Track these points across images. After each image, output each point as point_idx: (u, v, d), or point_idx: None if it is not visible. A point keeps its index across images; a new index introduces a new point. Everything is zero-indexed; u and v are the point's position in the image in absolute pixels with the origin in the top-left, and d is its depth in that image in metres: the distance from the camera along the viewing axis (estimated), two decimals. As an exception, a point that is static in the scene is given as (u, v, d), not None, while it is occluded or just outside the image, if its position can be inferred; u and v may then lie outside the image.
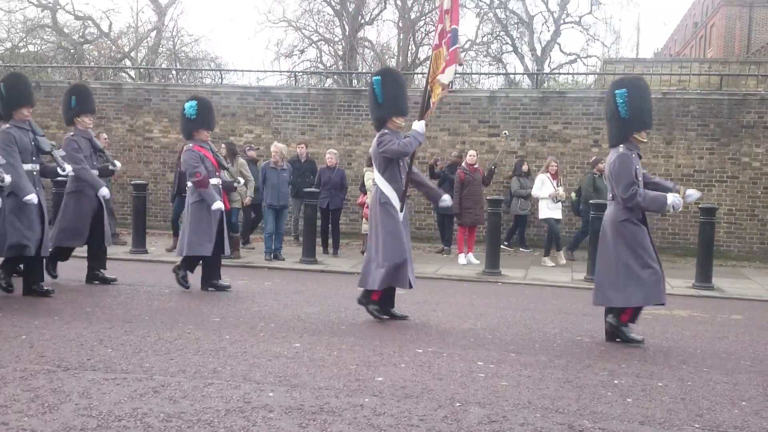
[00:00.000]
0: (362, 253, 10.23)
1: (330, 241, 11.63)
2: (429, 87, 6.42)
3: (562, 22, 27.78)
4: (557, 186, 11.40)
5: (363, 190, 10.96)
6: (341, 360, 4.94)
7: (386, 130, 6.33)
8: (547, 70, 26.25)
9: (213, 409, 3.80)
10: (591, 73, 22.97)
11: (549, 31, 28.10)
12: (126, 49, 27.77)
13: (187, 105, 7.82)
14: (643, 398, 4.31)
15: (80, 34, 27.53)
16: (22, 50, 26.42)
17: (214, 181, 7.73)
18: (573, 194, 12.19)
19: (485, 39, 28.03)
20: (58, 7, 26.44)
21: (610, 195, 5.92)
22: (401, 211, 6.30)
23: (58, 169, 7.20)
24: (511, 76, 23.54)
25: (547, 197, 11.38)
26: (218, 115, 14.68)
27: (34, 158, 7.04)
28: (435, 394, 4.23)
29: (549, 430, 3.68)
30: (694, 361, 5.34)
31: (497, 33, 28.07)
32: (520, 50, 27.89)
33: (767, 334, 6.54)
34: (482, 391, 4.34)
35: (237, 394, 4.07)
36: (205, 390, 4.13)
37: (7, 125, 6.96)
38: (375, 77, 6.47)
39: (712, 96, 13.42)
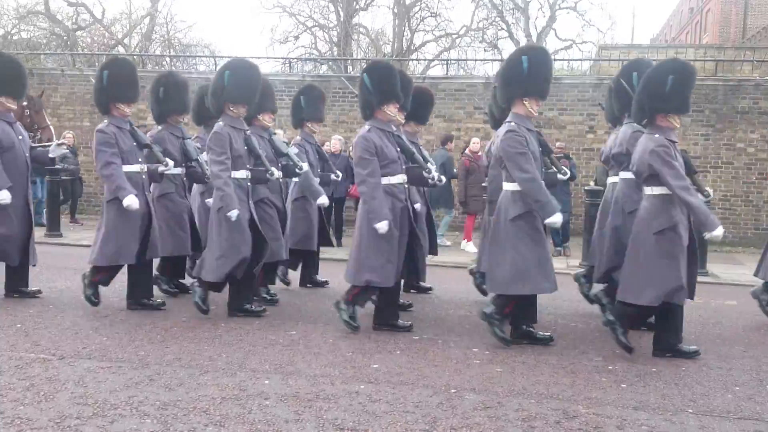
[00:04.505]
0: None
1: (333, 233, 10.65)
2: None
3: (557, 7, 27.74)
4: None
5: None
6: (337, 347, 4.95)
7: None
8: (542, 56, 26.13)
9: (209, 397, 3.81)
10: (586, 59, 22.94)
11: (544, 16, 28.13)
12: (119, 36, 27.59)
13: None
14: (638, 384, 4.33)
15: (73, 20, 27.36)
16: (15, 37, 26.28)
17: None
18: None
19: (480, 25, 28.00)
20: (51, -7, 26.25)
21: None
22: None
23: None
24: (507, 62, 23.43)
25: None
26: (212, 102, 14.67)
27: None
28: (430, 380, 4.24)
29: (544, 416, 3.70)
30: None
31: (493, 19, 28.02)
32: (515, 36, 27.86)
33: (760, 319, 6.57)
34: (477, 377, 4.35)
35: (233, 381, 4.08)
36: (200, 378, 4.13)
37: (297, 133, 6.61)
38: None
39: (707, 82, 13.39)
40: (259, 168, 5.89)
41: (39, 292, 6.37)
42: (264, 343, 4.98)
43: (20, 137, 6.27)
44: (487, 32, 28.14)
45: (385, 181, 5.35)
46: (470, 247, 11.18)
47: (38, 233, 10.88)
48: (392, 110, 5.49)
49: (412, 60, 24.80)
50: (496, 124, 6.34)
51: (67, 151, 6.61)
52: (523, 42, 27.63)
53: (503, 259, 4.99)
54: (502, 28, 28.08)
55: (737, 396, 4.19)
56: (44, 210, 11.70)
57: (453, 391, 4.07)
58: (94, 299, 5.96)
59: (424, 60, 25.91)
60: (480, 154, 11.33)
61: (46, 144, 7.97)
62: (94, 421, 3.42)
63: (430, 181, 5.55)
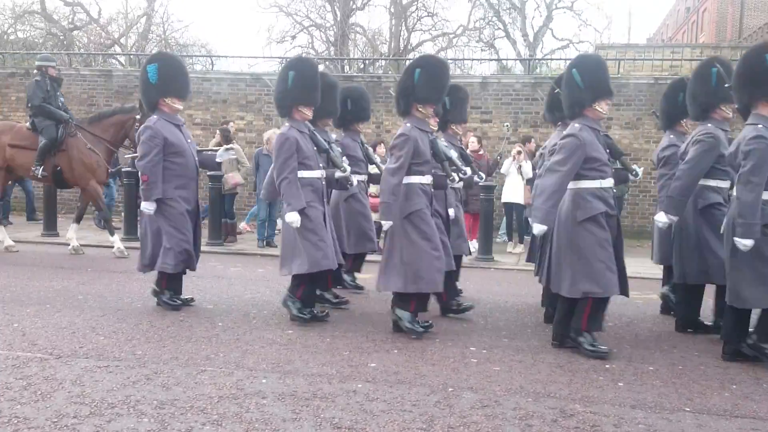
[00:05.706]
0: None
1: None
2: None
3: (554, 7, 27.77)
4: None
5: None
6: (334, 346, 4.95)
7: None
8: (539, 55, 26.23)
9: (206, 396, 3.81)
10: (583, 59, 22.88)
11: (541, 16, 28.12)
12: (116, 36, 27.56)
13: None
14: (635, 382, 4.34)
15: (69, 20, 27.31)
16: (11, 37, 26.20)
17: None
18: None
19: (477, 24, 28.03)
20: (47, -8, 26.18)
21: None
22: None
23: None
24: (504, 61, 23.49)
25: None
26: (209, 102, 14.64)
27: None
28: (428, 379, 4.25)
29: (541, 414, 3.70)
30: (685, 345, 5.37)
31: (489, 18, 28.06)
32: (512, 36, 27.91)
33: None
34: (475, 376, 4.35)
35: (230, 380, 4.08)
36: (197, 377, 4.13)
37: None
38: None
39: (703, 81, 13.38)
40: (440, 173, 5.54)
41: (192, 300, 6.19)
42: (261, 342, 4.98)
43: (189, 140, 6.05)
44: (484, 32, 28.21)
45: (596, 184, 4.88)
46: (473, 245, 11.14)
47: (36, 233, 10.92)
48: (604, 107, 5.00)
49: (409, 60, 24.80)
50: (670, 124, 6.27)
51: (235, 156, 6.20)
52: (519, 41, 27.70)
53: (750, 275, 4.68)
54: (499, 28, 28.12)
55: (734, 394, 4.19)
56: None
57: (450, 389, 4.07)
58: (305, 314, 5.60)
59: (421, 59, 25.87)
60: (481, 152, 11.26)
61: (214, 147, 7.61)
62: (91, 420, 3.42)
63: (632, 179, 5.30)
